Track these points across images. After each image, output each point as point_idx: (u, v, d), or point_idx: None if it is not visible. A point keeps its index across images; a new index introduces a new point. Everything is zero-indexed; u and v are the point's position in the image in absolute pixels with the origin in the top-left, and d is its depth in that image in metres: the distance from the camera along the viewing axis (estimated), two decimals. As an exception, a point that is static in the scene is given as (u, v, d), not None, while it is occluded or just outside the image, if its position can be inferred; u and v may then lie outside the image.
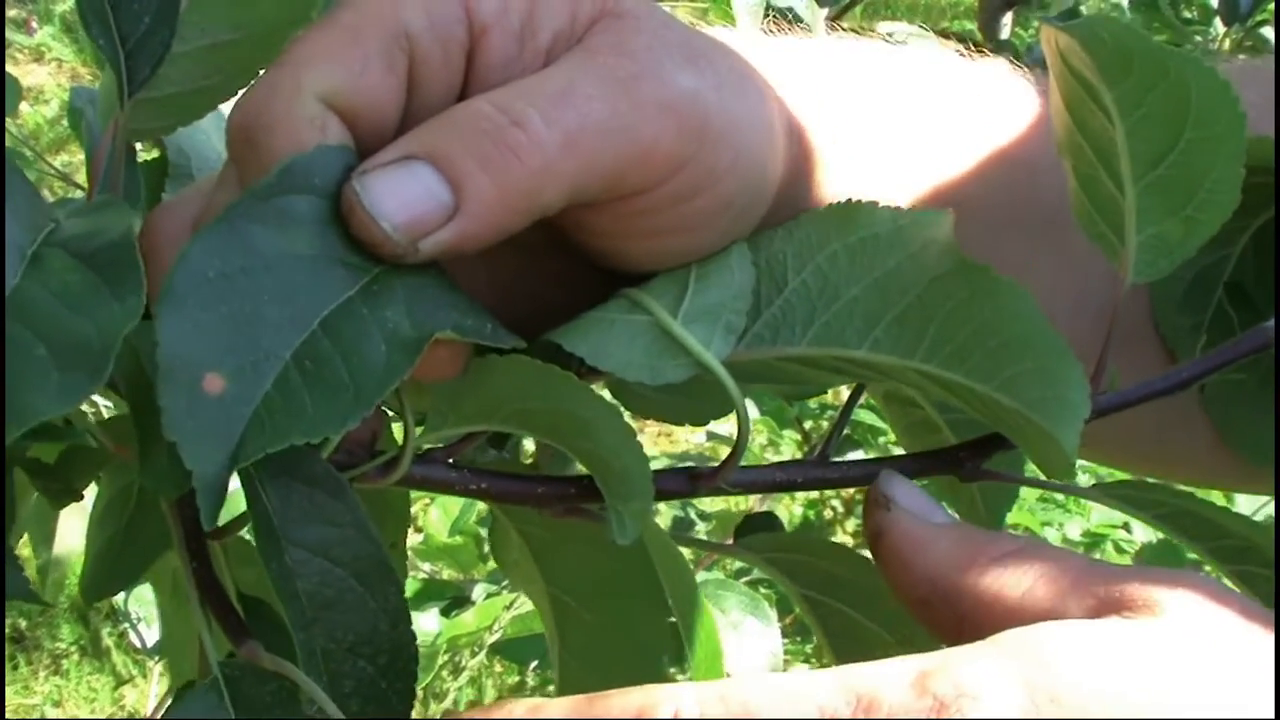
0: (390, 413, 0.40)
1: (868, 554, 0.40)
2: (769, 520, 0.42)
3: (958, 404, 0.36)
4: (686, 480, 0.39)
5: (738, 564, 1.39)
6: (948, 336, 0.34)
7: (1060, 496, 1.95)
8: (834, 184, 0.41)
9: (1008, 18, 2.13)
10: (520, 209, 0.34)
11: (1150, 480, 0.39)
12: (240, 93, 0.34)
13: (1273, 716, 0.26)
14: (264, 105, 0.33)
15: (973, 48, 0.47)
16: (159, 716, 1.37)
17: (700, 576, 1.20)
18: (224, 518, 0.39)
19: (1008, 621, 0.29)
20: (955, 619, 0.32)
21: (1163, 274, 0.38)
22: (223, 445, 0.28)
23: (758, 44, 0.41)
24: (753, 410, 1.25)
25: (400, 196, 0.32)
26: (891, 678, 0.27)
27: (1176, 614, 0.28)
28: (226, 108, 0.38)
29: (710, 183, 0.36)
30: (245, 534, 0.39)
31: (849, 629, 0.41)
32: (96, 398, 0.49)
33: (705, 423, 0.42)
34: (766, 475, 0.40)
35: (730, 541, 0.42)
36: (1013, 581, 0.31)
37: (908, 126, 0.42)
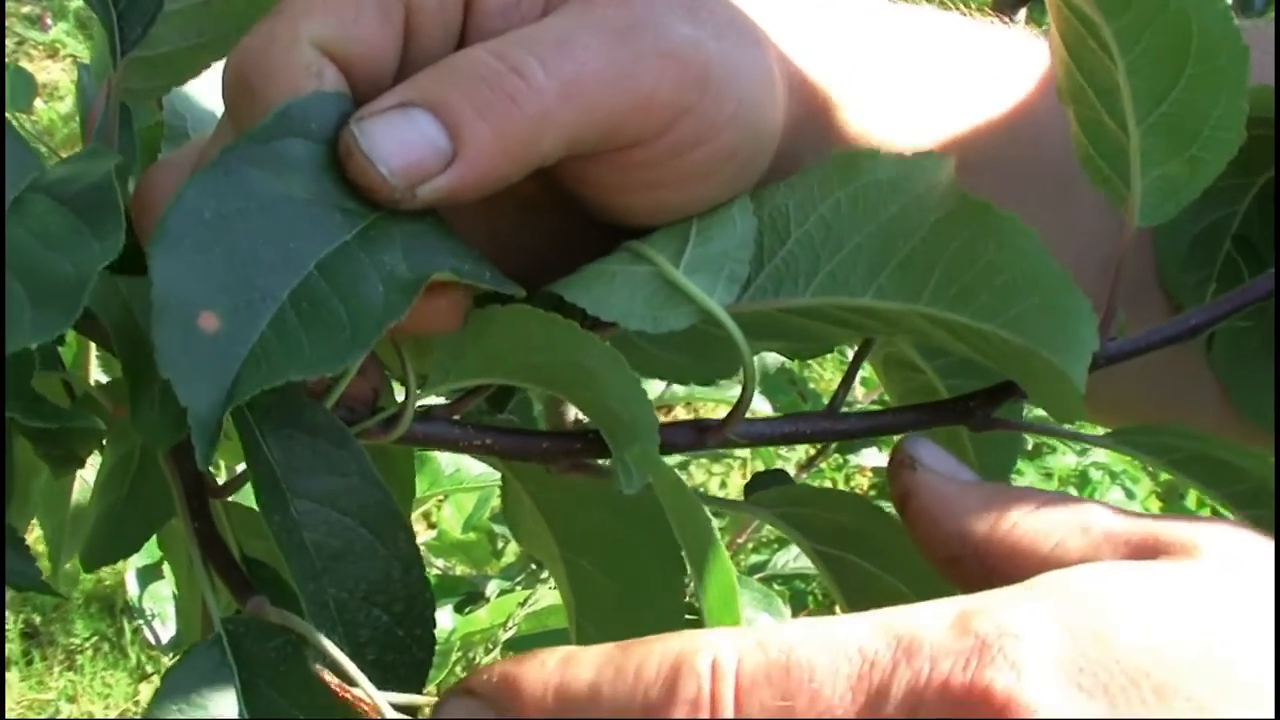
0: (389, 374, 0.39)
1: (881, 505, 0.40)
2: (779, 476, 0.42)
3: (963, 350, 0.36)
4: (694, 432, 0.39)
5: (751, 560, 1.38)
6: (953, 278, 0.34)
7: (1074, 491, 1.94)
8: (837, 138, 0.41)
9: (1022, 14, 2.12)
10: (518, 157, 0.34)
11: (1163, 425, 0.38)
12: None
13: None
14: (261, 53, 0.33)
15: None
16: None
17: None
18: (226, 474, 0.39)
19: (1041, 572, 0.29)
20: (985, 574, 0.31)
21: (1169, 217, 0.38)
22: (217, 383, 0.28)
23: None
24: (765, 405, 1.24)
25: (398, 141, 0.32)
26: (932, 619, 0.26)
27: (1215, 554, 0.28)
28: (214, 68, 0.38)
29: (711, 134, 0.36)
30: (253, 504, 0.39)
31: (866, 583, 0.41)
32: (98, 373, 0.49)
33: (712, 381, 0.42)
34: (775, 428, 0.40)
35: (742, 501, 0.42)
36: (1044, 533, 0.31)
37: (912, 82, 0.42)
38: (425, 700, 0.31)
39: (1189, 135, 0.36)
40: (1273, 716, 0.25)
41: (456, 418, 0.38)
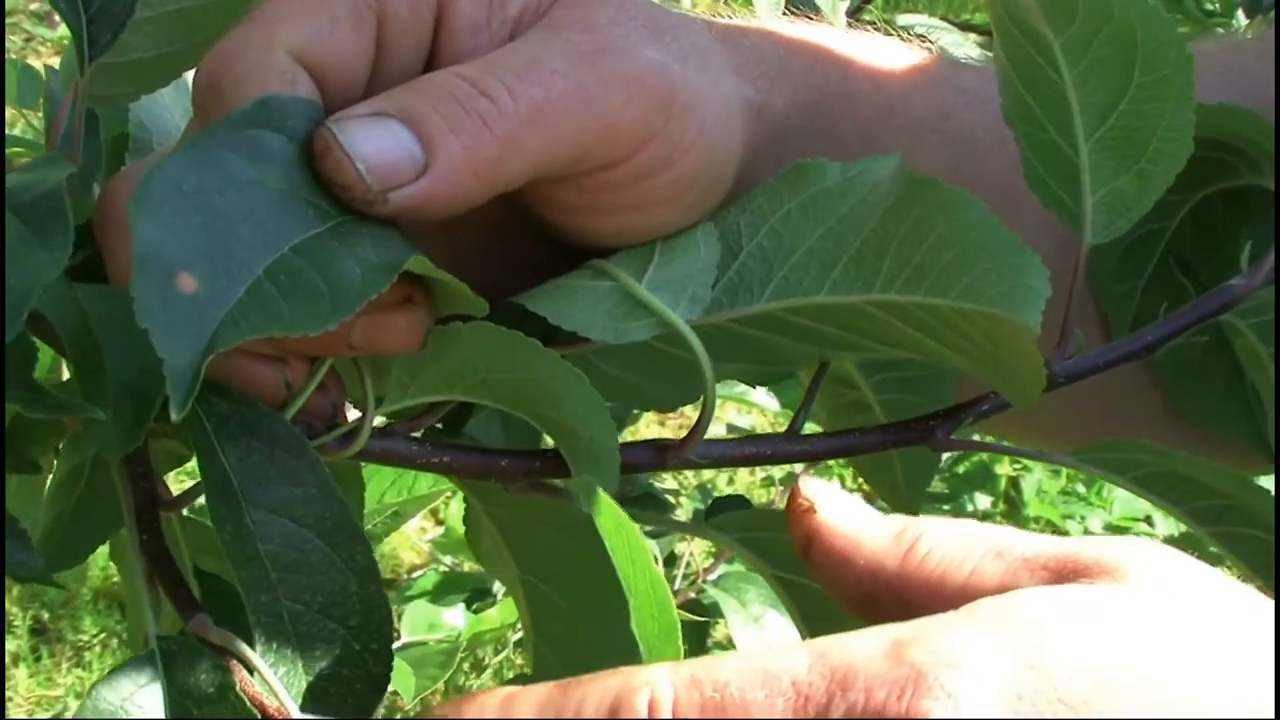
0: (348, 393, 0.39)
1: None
2: (739, 502, 0.42)
3: (917, 347, 0.36)
4: (653, 453, 0.39)
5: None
6: (904, 259, 0.34)
7: (1082, 489, 1.93)
8: (791, 160, 0.41)
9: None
10: (485, 178, 0.34)
11: (1127, 440, 0.38)
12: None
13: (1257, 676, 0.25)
14: (234, 58, 0.33)
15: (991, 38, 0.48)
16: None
17: (721, 569, 1.17)
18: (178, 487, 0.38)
19: (959, 600, 0.28)
20: (903, 607, 0.31)
21: (1120, 233, 0.38)
22: (195, 337, 0.28)
23: (717, 20, 0.42)
24: (772, 401, 1.22)
25: (376, 144, 0.33)
26: (867, 648, 0.26)
27: (1141, 576, 0.28)
28: (181, 81, 0.38)
29: (675, 157, 0.37)
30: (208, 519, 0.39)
31: (823, 610, 0.40)
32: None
33: (674, 408, 0.41)
34: (735, 449, 0.40)
35: (700, 524, 0.42)
36: (958, 561, 0.30)
37: (862, 103, 0.43)
38: None
39: (1138, 148, 0.37)
40: None
41: (415, 435, 0.38)
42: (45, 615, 2.18)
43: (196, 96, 0.34)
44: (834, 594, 0.33)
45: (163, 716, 0.31)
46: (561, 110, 0.34)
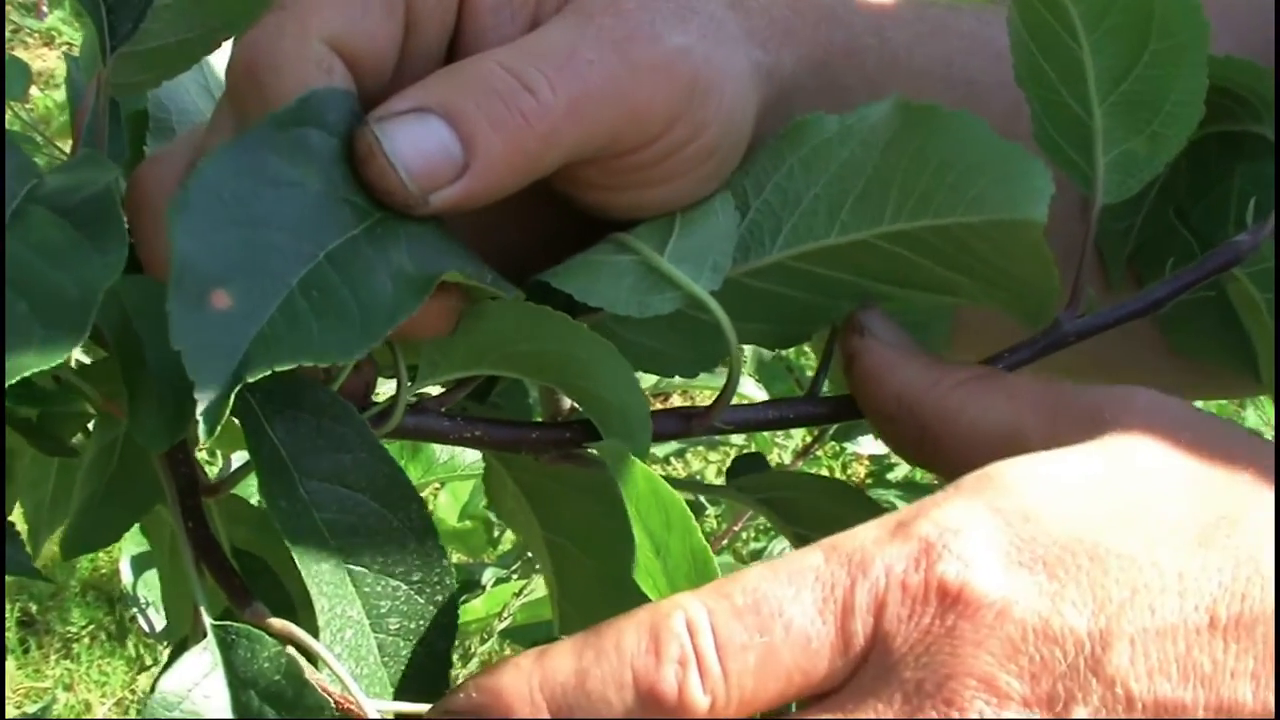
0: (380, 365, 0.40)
1: (860, 487, 0.41)
2: (758, 460, 0.43)
3: (927, 280, 0.37)
4: (680, 420, 0.40)
5: (751, 548, 1.38)
6: (909, 188, 0.35)
7: None
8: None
9: None
10: (523, 171, 0.35)
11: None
12: (224, 44, 0.34)
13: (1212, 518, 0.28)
14: (270, 46, 0.33)
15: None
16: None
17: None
18: (221, 461, 0.38)
19: (970, 436, 0.32)
20: (918, 432, 0.35)
21: (1131, 193, 0.39)
22: (227, 360, 0.28)
23: None
24: (761, 393, 1.25)
25: (417, 147, 0.33)
26: (874, 534, 0.28)
27: (1123, 420, 0.31)
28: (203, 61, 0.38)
29: (697, 135, 0.37)
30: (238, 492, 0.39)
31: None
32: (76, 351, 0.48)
33: (696, 374, 0.42)
34: (759, 413, 0.40)
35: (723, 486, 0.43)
36: (975, 399, 0.34)
37: (863, 62, 0.43)
38: (423, 708, 0.32)
39: (1150, 112, 0.38)
40: (1197, 548, 0.27)
41: (445, 409, 0.39)
42: (33, 607, 2.18)
43: (233, 86, 0.34)
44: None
45: (228, 708, 0.31)
46: (597, 102, 0.35)
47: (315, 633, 0.33)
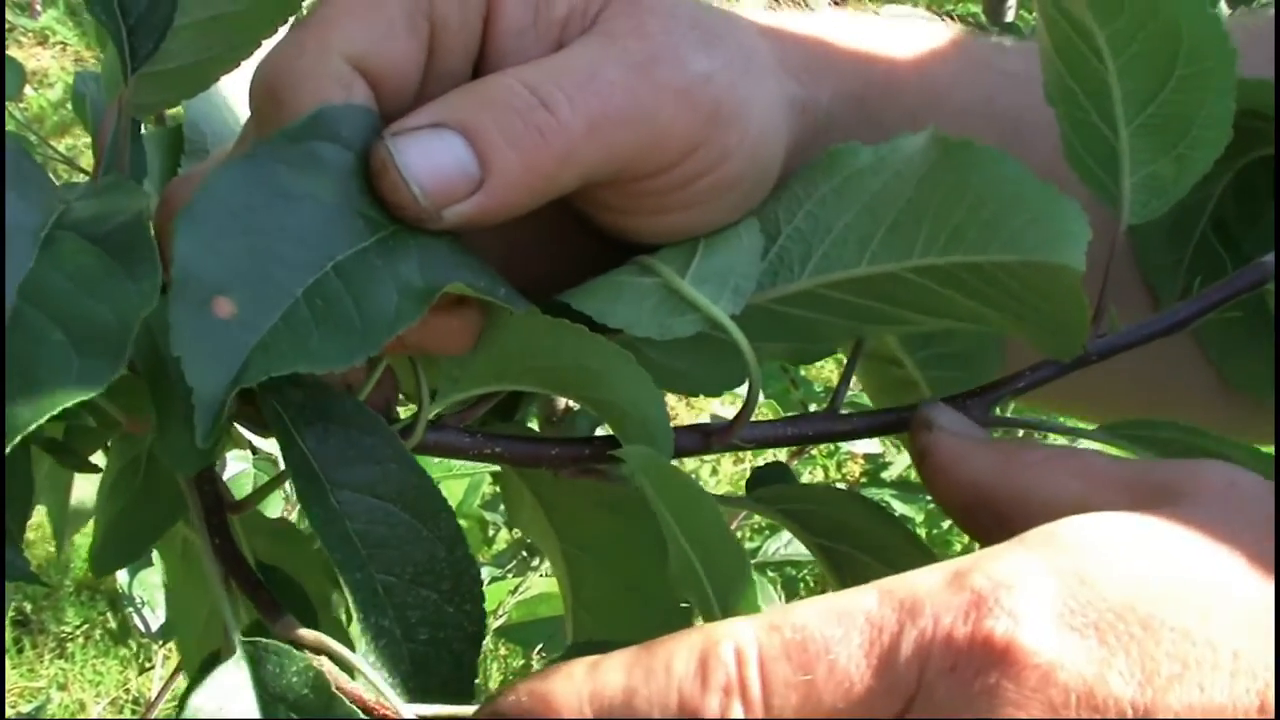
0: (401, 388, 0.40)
1: (878, 501, 0.41)
2: (780, 472, 0.43)
3: (958, 314, 0.37)
4: (700, 437, 0.40)
5: (748, 546, 1.38)
6: (942, 222, 0.35)
7: None
8: None
9: (1013, 1, 2.13)
10: (539, 189, 0.34)
11: (1159, 419, 0.39)
12: (243, 63, 0.34)
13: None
14: (291, 63, 0.33)
15: (979, 31, 0.47)
16: (172, 695, 1.37)
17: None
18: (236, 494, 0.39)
19: (1043, 516, 0.31)
20: (996, 520, 0.34)
21: (1157, 214, 0.39)
22: (226, 367, 0.29)
23: (761, 17, 0.41)
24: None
25: (431, 162, 0.33)
26: (929, 581, 0.28)
27: (1198, 495, 0.30)
28: (232, 81, 0.38)
29: (719, 163, 0.37)
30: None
31: (863, 573, 0.42)
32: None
33: (719, 393, 0.42)
34: (779, 430, 0.41)
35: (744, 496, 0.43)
36: (1046, 480, 0.33)
37: (909, 96, 0.43)
38: (466, 710, 0.32)
39: (1177, 134, 0.37)
40: (1255, 629, 0.26)
41: (465, 425, 0.39)
42: (28, 607, 2.19)
43: (254, 103, 0.34)
44: (942, 505, 0.36)
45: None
46: (617, 123, 0.35)
47: (333, 633, 0.33)
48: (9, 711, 1.91)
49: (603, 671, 0.29)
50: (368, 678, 0.32)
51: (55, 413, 0.27)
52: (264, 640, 0.33)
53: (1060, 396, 0.47)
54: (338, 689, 0.32)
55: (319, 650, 0.33)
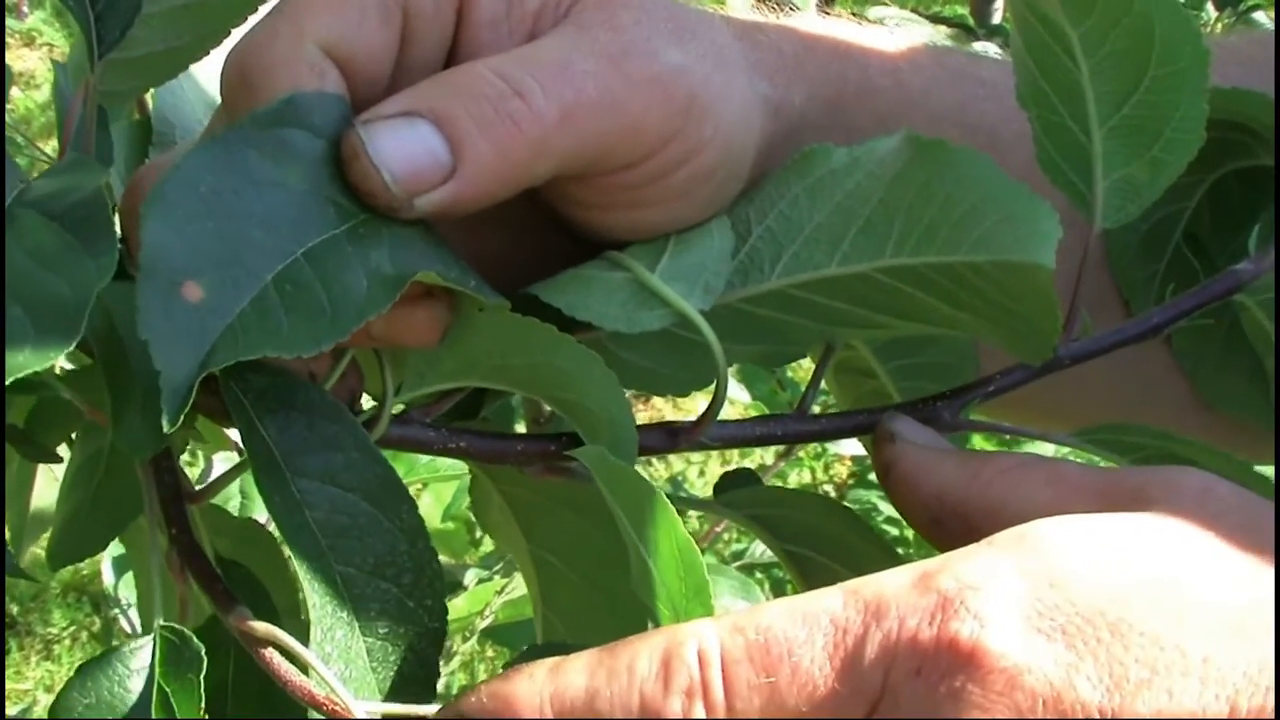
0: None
1: (848, 505, 0.40)
2: (748, 476, 0.42)
3: (927, 319, 0.36)
4: (666, 435, 0.39)
5: (732, 548, 1.38)
6: (914, 222, 0.35)
7: None
8: None
9: (999, 2, 2.14)
10: (511, 178, 0.34)
11: (1129, 423, 0.39)
12: (213, 52, 0.34)
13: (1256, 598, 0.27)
14: (264, 49, 0.33)
15: (965, 33, 0.48)
16: None
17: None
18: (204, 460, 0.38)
19: (1014, 524, 0.30)
20: (965, 532, 0.33)
21: (1130, 218, 0.39)
22: (193, 351, 0.28)
23: (735, 17, 0.41)
24: (743, 394, 1.24)
25: (402, 150, 0.33)
26: (896, 582, 0.28)
27: (1165, 498, 0.30)
28: (202, 72, 0.38)
29: (692, 156, 0.37)
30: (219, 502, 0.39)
31: (831, 579, 0.41)
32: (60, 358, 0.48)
33: (687, 392, 0.42)
34: (747, 430, 0.40)
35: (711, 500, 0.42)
36: (1017, 489, 0.33)
37: (875, 103, 0.43)
38: (428, 710, 0.31)
39: (1150, 137, 0.37)
40: (1227, 634, 0.26)
41: (430, 420, 0.39)
42: (14, 609, 2.18)
43: (225, 89, 0.34)
44: (907, 517, 0.35)
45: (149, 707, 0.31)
46: (590, 112, 0.34)
47: (297, 637, 0.33)
48: (-5, 714, 1.90)
49: (564, 673, 0.28)
50: (319, 672, 0.31)
51: (8, 382, 0.27)
52: (181, 628, 0.33)
53: (1034, 412, 0.47)
54: (284, 684, 0.31)
55: (269, 643, 0.32)
